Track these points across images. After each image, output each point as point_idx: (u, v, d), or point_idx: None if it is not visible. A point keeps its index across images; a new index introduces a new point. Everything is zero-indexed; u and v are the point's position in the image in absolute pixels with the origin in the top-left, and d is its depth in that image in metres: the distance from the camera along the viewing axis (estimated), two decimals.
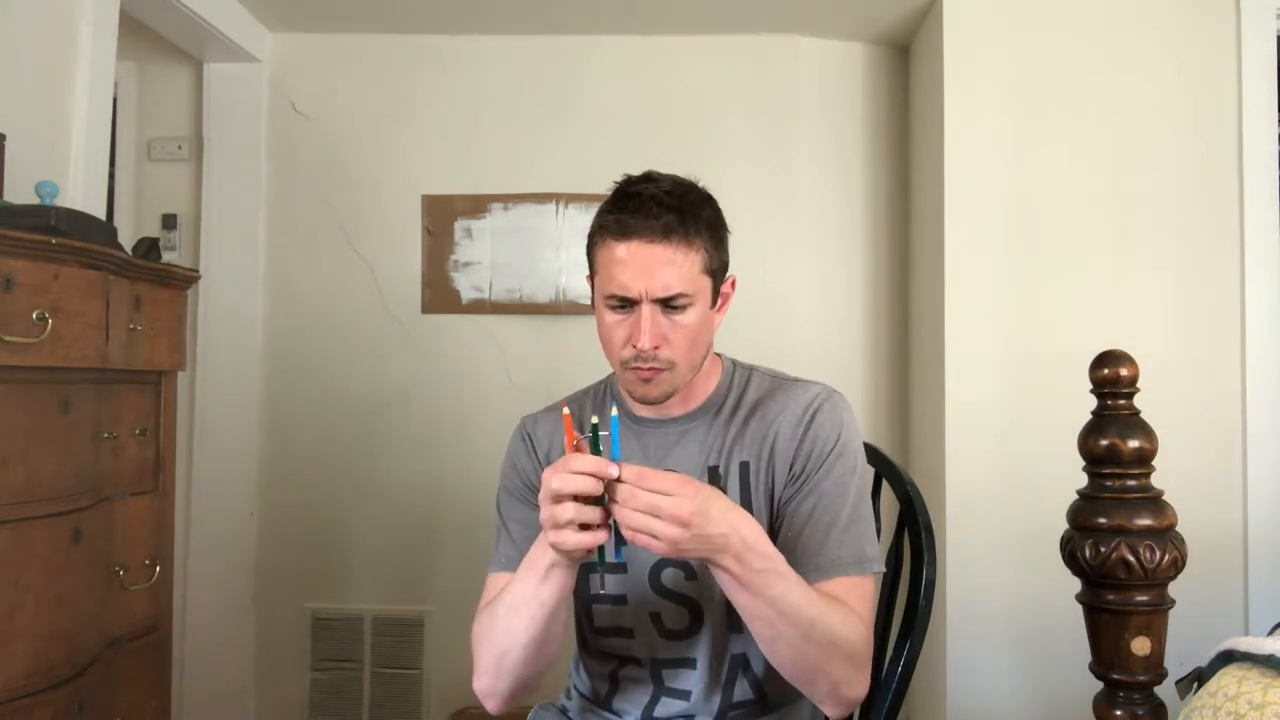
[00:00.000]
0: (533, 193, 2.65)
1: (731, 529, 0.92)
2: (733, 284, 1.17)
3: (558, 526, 0.90)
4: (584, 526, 0.90)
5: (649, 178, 1.10)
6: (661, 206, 1.05)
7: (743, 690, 1.16)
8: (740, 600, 0.97)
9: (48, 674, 1.36)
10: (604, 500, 0.90)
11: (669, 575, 1.14)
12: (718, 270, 1.12)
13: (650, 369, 1.07)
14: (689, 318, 1.07)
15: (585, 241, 1.14)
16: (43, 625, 1.36)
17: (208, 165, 2.65)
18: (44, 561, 1.36)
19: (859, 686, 1.04)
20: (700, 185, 1.14)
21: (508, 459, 1.23)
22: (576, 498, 0.89)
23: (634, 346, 1.06)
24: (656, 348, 1.06)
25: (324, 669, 2.62)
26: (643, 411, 1.18)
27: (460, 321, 2.66)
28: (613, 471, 0.88)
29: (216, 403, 2.61)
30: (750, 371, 1.22)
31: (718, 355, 1.22)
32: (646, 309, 1.05)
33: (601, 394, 1.26)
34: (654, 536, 0.88)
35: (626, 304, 1.06)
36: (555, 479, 0.89)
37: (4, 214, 1.38)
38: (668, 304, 1.06)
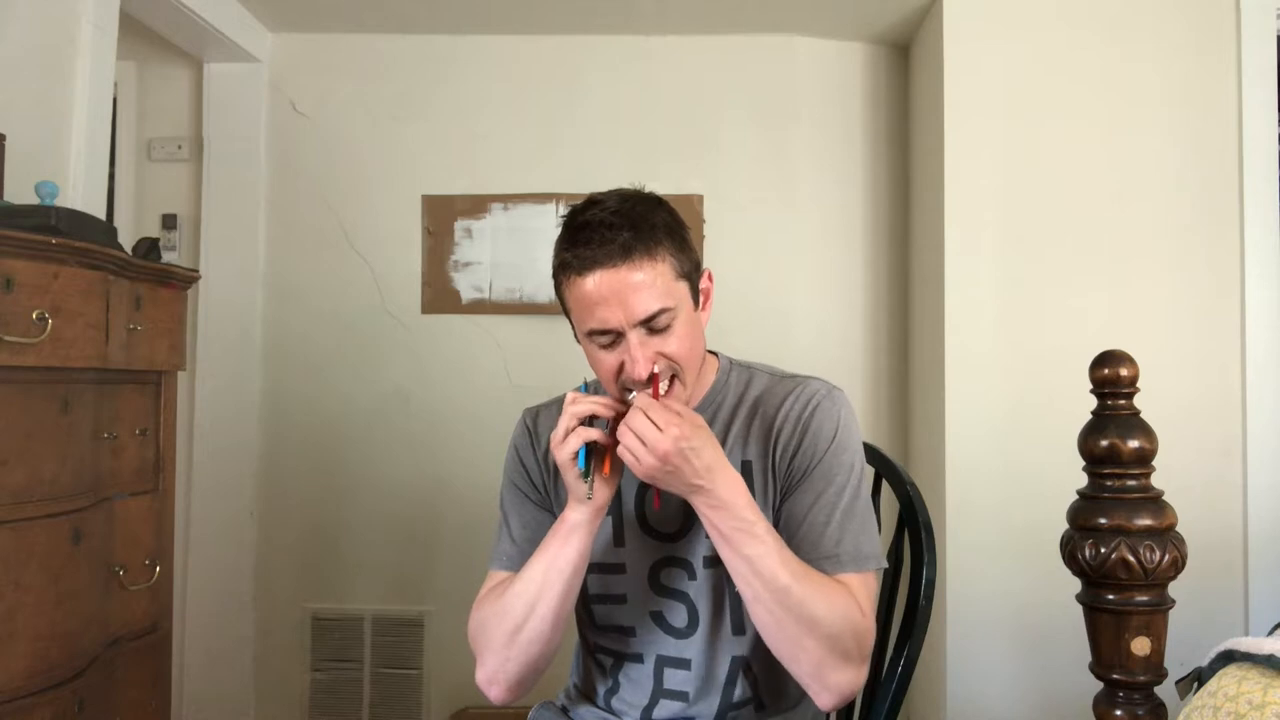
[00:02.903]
0: (533, 193, 2.65)
1: (709, 483, 0.99)
2: (709, 277, 1.14)
3: (562, 442, 1.00)
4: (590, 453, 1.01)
5: (593, 201, 1.05)
6: (613, 229, 1.00)
7: (742, 691, 1.16)
8: (722, 552, 1.02)
9: (48, 674, 1.36)
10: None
11: (667, 574, 1.14)
12: (690, 271, 1.07)
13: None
14: (678, 328, 1.04)
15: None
16: (43, 625, 1.36)
17: (208, 165, 2.65)
18: (44, 561, 1.36)
19: (846, 673, 1.03)
20: (647, 191, 1.09)
21: (511, 450, 1.23)
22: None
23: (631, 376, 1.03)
24: (653, 372, 1.03)
25: (324, 669, 2.62)
26: None
27: (460, 321, 2.66)
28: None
29: (216, 403, 2.61)
30: (750, 370, 1.20)
31: (712, 353, 1.21)
32: (633, 338, 1.01)
33: (603, 390, 1.24)
34: (636, 460, 0.97)
35: (610, 334, 1.03)
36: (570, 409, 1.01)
37: (4, 214, 1.38)
38: (651, 323, 1.02)
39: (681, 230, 1.07)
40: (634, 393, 1.02)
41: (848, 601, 1.03)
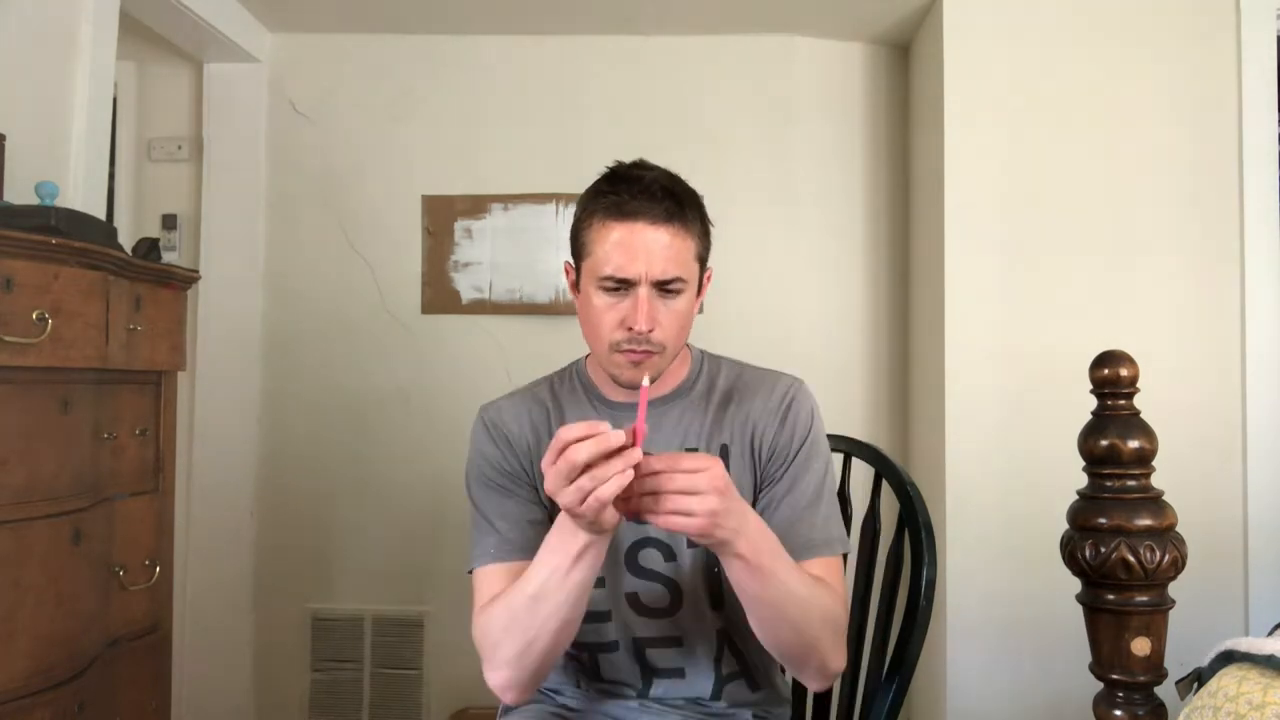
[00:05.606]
0: (533, 193, 2.65)
1: (745, 509, 0.96)
2: (709, 276, 1.18)
3: (600, 501, 0.85)
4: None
5: (643, 165, 1.13)
6: (663, 190, 1.07)
7: (729, 664, 1.19)
8: (751, 588, 0.99)
9: (48, 674, 1.36)
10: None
11: (646, 555, 1.15)
12: (704, 259, 1.14)
13: (643, 351, 1.08)
14: (681, 303, 1.09)
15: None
16: (43, 625, 1.36)
17: (208, 165, 2.65)
18: (44, 561, 1.36)
19: (842, 659, 1.09)
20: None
21: (474, 450, 1.20)
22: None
23: (627, 329, 1.06)
24: (651, 330, 1.06)
25: (324, 669, 2.62)
26: (617, 396, 1.18)
27: (460, 321, 2.66)
28: (614, 436, 0.84)
29: (216, 403, 2.61)
30: (719, 360, 1.25)
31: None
32: (644, 291, 1.05)
33: (569, 380, 1.25)
34: (690, 514, 0.88)
35: (622, 286, 1.07)
36: (581, 449, 0.84)
37: (4, 214, 1.38)
38: (663, 287, 1.07)
39: (708, 222, 1.16)
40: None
41: (834, 590, 1.08)
